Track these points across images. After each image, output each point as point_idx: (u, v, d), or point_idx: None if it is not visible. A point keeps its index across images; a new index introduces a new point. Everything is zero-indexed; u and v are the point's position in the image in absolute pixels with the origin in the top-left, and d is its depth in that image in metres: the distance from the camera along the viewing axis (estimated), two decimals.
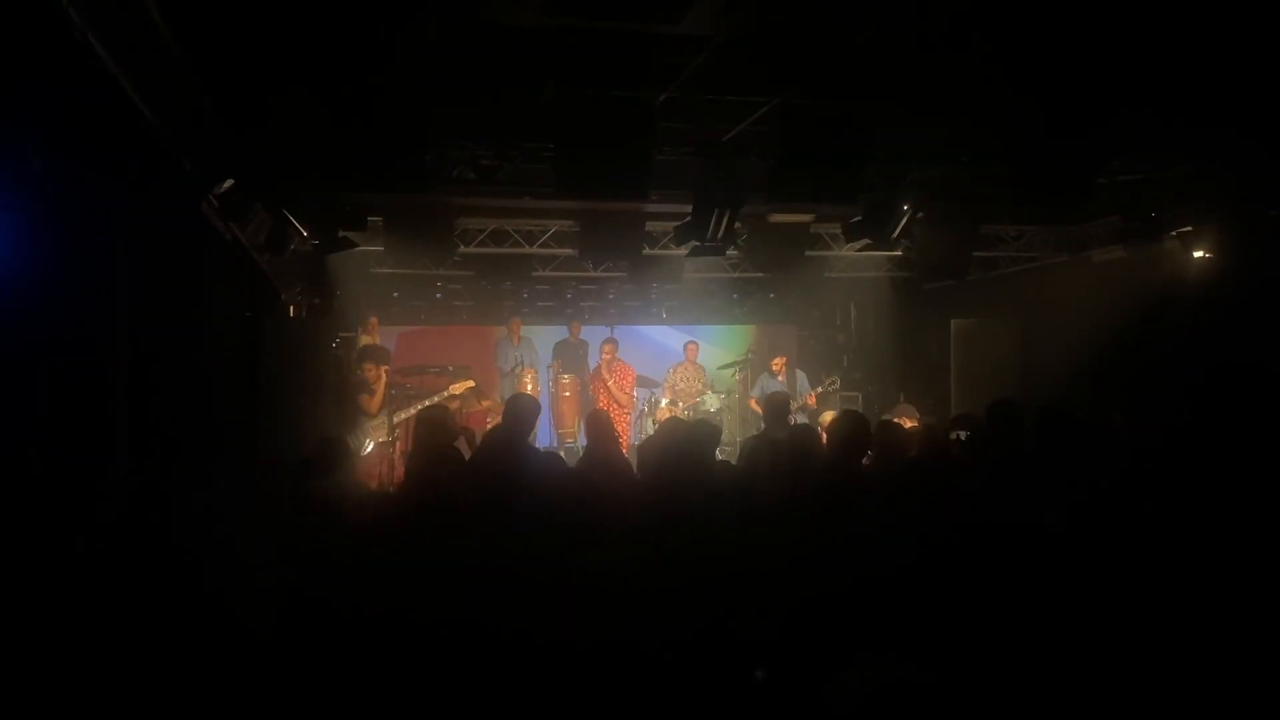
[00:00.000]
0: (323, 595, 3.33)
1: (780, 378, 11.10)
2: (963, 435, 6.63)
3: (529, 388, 11.65)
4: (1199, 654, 2.37)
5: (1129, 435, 5.59)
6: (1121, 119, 6.66)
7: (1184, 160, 8.00)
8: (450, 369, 11.80)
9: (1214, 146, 7.37)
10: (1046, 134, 6.91)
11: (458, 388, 9.63)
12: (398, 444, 9.28)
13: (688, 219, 8.35)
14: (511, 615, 2.66)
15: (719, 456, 5.86)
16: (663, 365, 12.71)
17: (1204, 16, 4.98)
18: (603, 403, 11.20)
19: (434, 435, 5.28)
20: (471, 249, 9.98)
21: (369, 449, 8.97)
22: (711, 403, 11.73)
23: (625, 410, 11.53)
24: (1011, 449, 5.10)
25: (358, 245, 8.38)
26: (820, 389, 11.18)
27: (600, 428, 6.08)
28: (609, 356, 11.70)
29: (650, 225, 9.67)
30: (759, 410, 10.72)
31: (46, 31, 3.53)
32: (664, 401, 11.58)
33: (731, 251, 9.95)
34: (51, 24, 3.53)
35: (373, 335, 10.78)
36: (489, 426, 8.33)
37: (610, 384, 11.53)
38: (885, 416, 8.61)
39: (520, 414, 5.69)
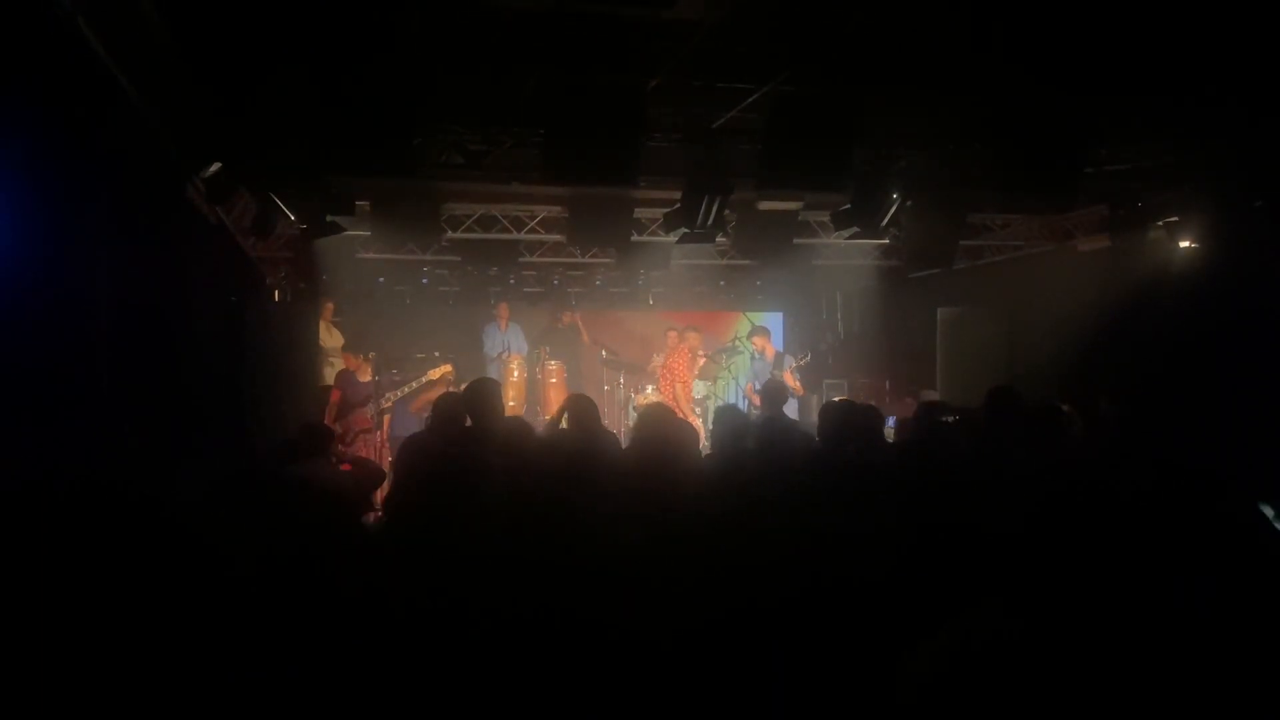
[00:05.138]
0: (317, 571, 3.32)
1: (768, 362, 11.11)
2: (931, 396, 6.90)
3: (514, 374, 11.63)
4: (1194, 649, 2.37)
5: (1115, 422, 5.64)
6: (1109, 104, 6.67)
7: (1170, 150, 8.02)
8: (436, 354, 11.79)
9: (1200, 136, 7.40)
10: (1035, 115, 6.92)
11: (434, 373, 9.60)
12: (382, 431, 9.28)
13: (677, 205, 8.33)
14: (510, 597, 2.65)
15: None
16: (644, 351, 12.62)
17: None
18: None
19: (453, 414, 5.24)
20: (458, 234, 9.92)
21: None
22: (699, 389, 11.74)
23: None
24: (1007, 434, 5.12)
25: (345, 229, 8.32)
26: (794, 364, 11.21)
27: (583, 409, 5.94)
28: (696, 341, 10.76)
29: (639, 212, 9.64)
30: (754, 398, 10.75)
31: (34, 12, 3.49)
32: (649, 388, 11.57)
33: (720, 239, 9.93)
34: (39, 5, 3.49)
35: (327, 319, 10.72)
36: None
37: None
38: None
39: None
